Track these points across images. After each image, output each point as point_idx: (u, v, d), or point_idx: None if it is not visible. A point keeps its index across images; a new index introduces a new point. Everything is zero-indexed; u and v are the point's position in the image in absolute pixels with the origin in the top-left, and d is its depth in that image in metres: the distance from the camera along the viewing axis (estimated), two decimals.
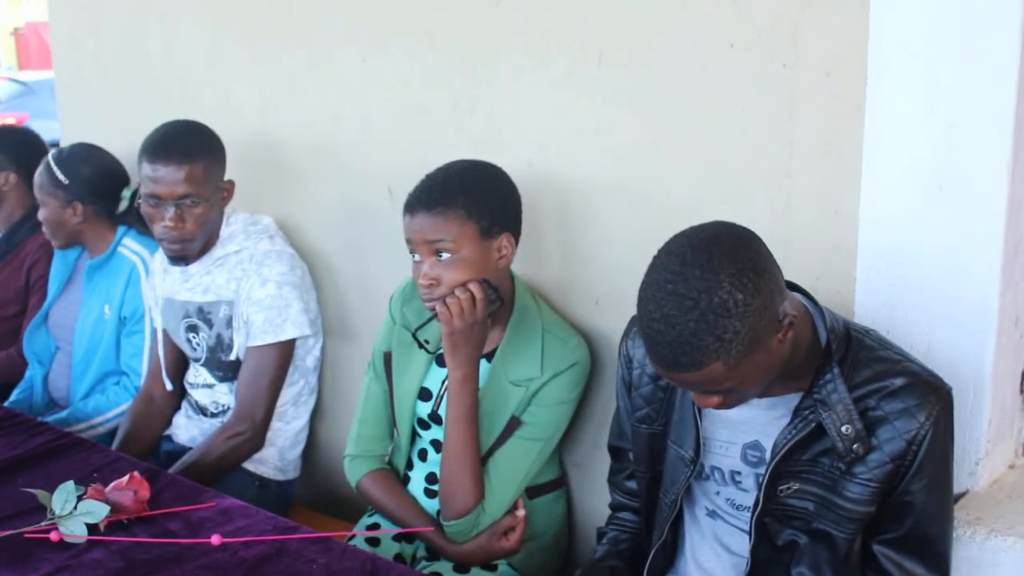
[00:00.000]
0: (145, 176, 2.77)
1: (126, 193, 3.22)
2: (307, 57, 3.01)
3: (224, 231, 2.90)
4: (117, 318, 3.21)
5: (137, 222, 3.18)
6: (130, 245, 3.24)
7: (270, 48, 3.11)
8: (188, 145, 2.78)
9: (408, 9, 2.73)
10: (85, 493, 2.20)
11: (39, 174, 3.26)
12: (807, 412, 1.83)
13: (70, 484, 2.21)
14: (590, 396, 2.51)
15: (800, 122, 2.09)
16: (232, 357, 2.90)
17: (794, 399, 1.87)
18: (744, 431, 1.96)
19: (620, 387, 2.16)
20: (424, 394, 2.49)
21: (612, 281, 2.44)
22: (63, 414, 3.21)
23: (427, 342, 2.39)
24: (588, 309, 2.51)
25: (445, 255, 2.25)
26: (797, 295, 1.88)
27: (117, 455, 2.59)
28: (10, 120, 9.44)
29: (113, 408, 3.19)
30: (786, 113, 2.10)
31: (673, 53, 2.24)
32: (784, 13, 2.07)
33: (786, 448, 1.85)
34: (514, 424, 2.37)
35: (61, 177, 3.20)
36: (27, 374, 3.48)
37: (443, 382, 2.43)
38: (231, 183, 2.90)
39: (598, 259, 2.47)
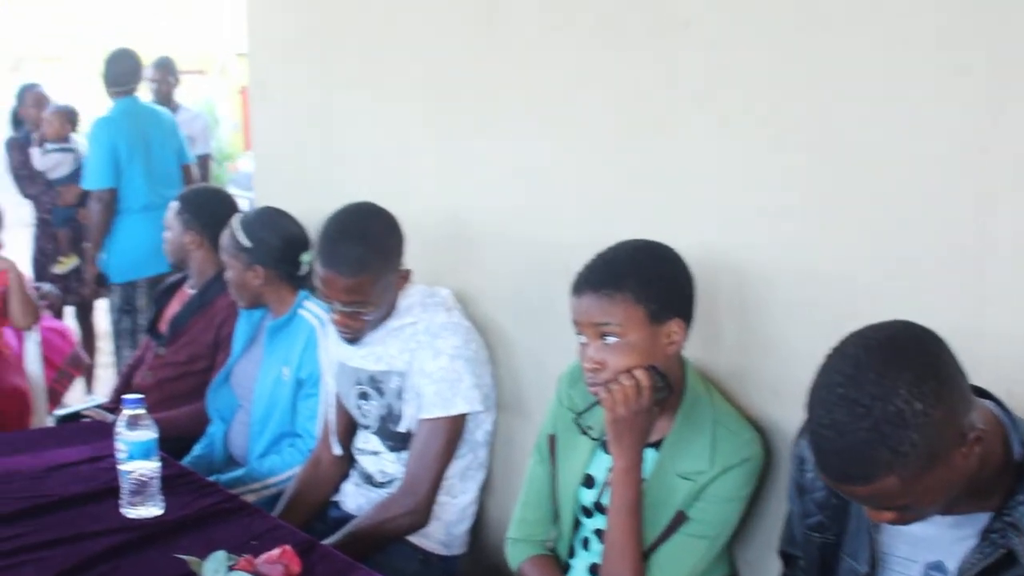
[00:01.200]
0: (316, 271, 2.78)
1: (306, 258, 3.24)
2: (487, 129, 2.99)
3: (402, 302, 2.86)
4: (294, 380, 3.22)
5: None
6: (310, 308, 3.26)
7: (450, 120, 3.10)
8: (356, 258, 2.72)
9: (587, 84, 2.68)
10: (236, 563, 2.18)
11: (224, 236, 3.33)
12: (996, 536, 1.65)
13: (221, 554, 2.19)
14: (764, 492, 2.35)
15: (998, 211, 1.91)
16: (402, 428, 2.86)
17: (982, 519, 1.69)
18: (926, 549, 1.78)
19: (792, 489, 2.01)
20: (588, 481, 2.38)
21: (792, 372, 2.28)
22: (239, 473, 3.24)
23: (590, 428, 2.29)
24: (765, 400, 2.36)
25: (611, 339, 2.16)
26: (988, 403, 1.70)
27: (278, 523, 2.58)
28: None
29: (286, 470, 3.20)
30: (983, 201, 1.92)
31: (857, 134, 2.09)
32: (986, 91, 1.90)
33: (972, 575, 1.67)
34: (680, 519, 2.24)
35: (244, 241, 3.25)
36: (209, 430, 3.54)
37: (607, 470, 2.32)
38: (407, 273, 2.86)
39: (777, 348, 2.32)
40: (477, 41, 3.02)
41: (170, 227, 3.77)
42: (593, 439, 2.33)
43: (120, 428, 2.55)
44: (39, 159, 6.34)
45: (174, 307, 3.88)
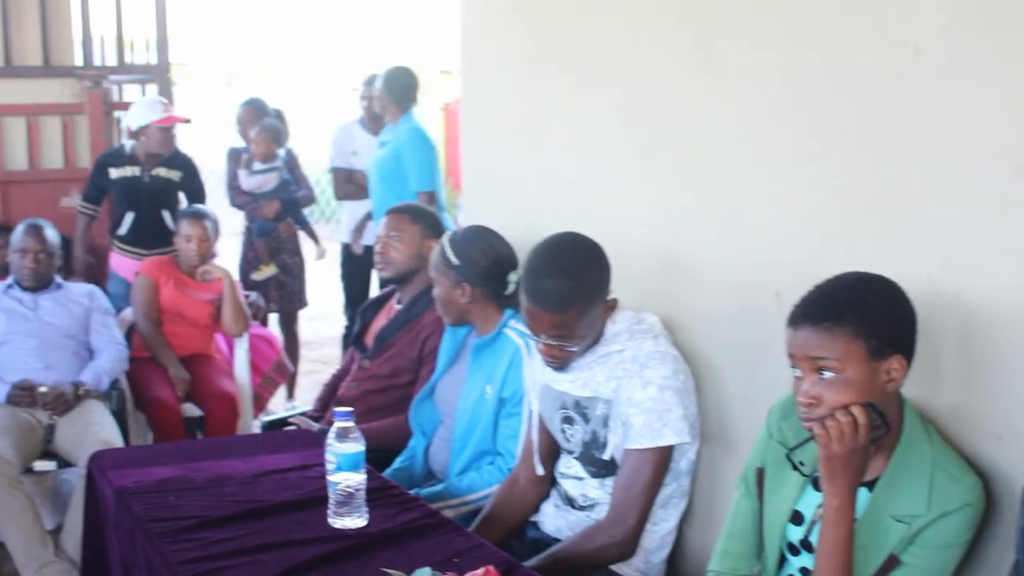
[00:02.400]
0: (521, 304, 2.81)
1: (513, 277, 3.26)
2: (698, 156, 2.96)
3: (609, 328, 2.85)
4: (497, 399, 3.24)
5: None
6: (516, 328, 3.27)
7: (661, 146, 3.08)
8: (562, 294, 2.72)
9: (807, 112, 2.62)
10: None
11: (434, 253, 3.38)
12: None
13: (427, 571, 2.22)
14: (984, 541, 2.24)
15: None
16: (606, 456, 2.84)
17: None
18: None
19: (1020, 540, 1.91)
20: (796, 517, 2.32)
21: (1019, 416, 2.18)
22: (438, 487, 3.28)
23: (802, 464, 2.23)
24: (988, 445, 2.25)
25: (828, 374, 2.10)
26: None
27: (479, 541, 2.60)
28: None
29: (485, 487, 3.22)
30: None
31: None
32: None
33: None
34: (892, 563, 2.15)
35: (453, 258, 3.29)
36: (411, 443, 3.59)
37: (817, 507, 2.25)
38: (614, 303, 2.85)
39: (1005, 390, 2.21)
40: (690, 69, 2.99)
41: (401, 235, 3.78)
42: (805, 475, 2.27)
43: (330, 440, 2.61)
44: (245, 180, 6.54)
45: (380, 321, 3.95)
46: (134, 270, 5.48)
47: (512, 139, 3.80)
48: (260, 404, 5.80)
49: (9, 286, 4.72)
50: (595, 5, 3.37)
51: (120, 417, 4.61)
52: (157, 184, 5.75)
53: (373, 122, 6.66)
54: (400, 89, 6.12)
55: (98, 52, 6.87)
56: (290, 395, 6.73)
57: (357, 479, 2.61)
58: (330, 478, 2.62)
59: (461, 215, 5.82)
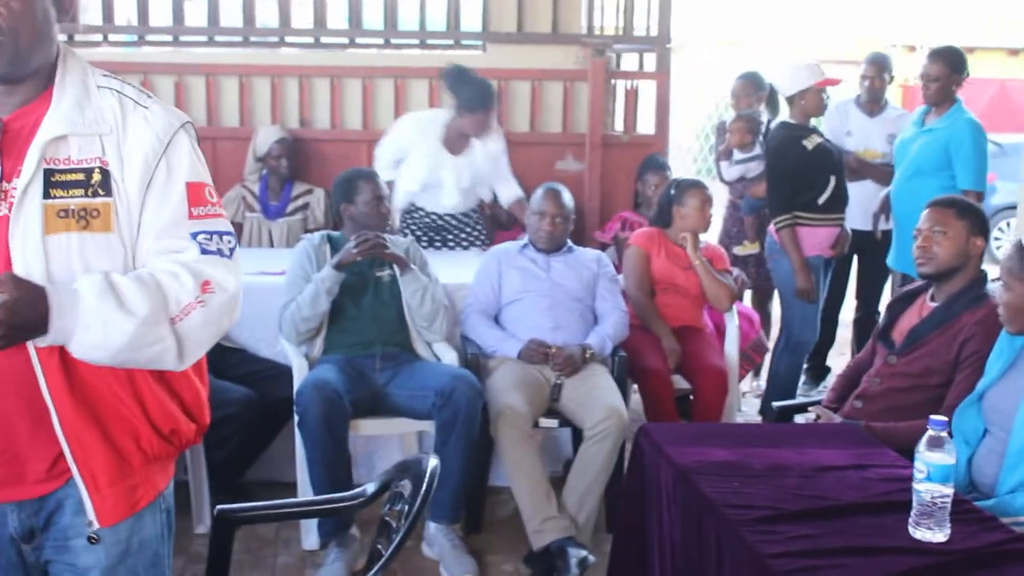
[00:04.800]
0: None
1: None
2: None
3: None
4: None
5: None
6: None
7: None
8: None
9: None
10: None
11: (1007, 257, 3.17)
12: None
13: None
14: None
15: None
16: None
17: None
18: None
19: None
20: None
21: None
22: (987, 503, 3.09)
23: None
24: None
25: None
26: None
27: None
28: None
29: None
30: None
31: None
32: None
33: None
34: None
35: None
36: None
37: None
38: None
39: None
40: None
41: (946, 230, 3.66)
42: None
43: (921, 448, 2.52)
44: (727, 171, 6.46)
45: (911, 318, 3.80)
46: (824, 241, 5.57)
47: None
48: None
49: (524, 246, 4.90)
50: None
51: (621, 384, 4.68)
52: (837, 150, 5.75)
53: (871, 103, 6.42)
54: (963, 70, 5.59)
55: (598, 18, 6.97)
56: (756, 374, 6.64)
57: (945, 491, 2.51)
58: (916, 486, 2.53)
59: None
